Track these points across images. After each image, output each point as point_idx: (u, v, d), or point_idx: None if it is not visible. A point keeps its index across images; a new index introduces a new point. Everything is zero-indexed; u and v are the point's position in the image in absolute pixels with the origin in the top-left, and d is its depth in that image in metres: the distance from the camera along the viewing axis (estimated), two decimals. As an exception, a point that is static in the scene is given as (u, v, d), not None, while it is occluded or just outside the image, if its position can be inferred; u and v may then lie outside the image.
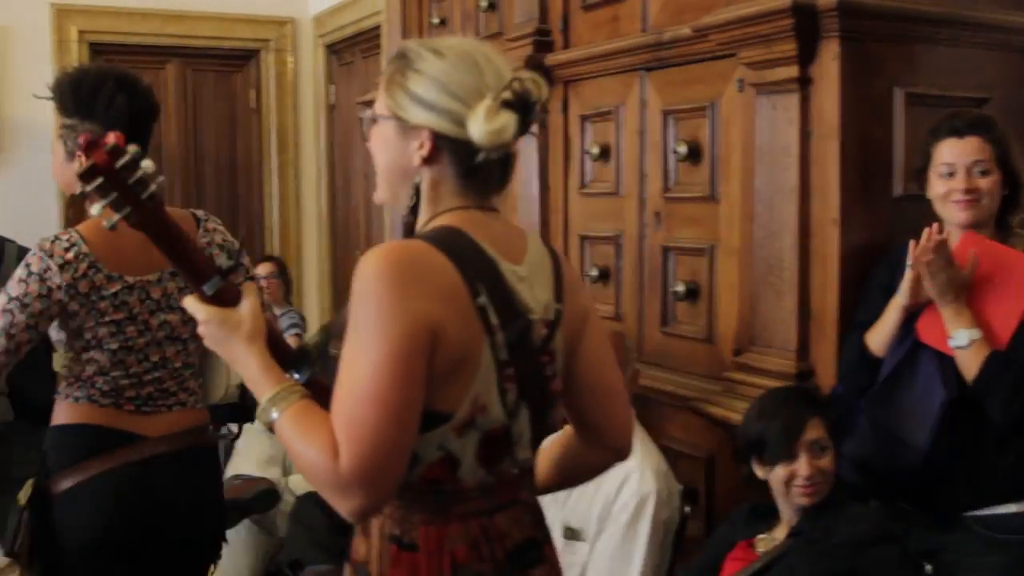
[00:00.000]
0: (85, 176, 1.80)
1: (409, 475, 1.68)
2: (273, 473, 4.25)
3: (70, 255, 2.57)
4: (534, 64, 2.44)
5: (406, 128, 1.78)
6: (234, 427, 5.20)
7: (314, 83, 8.11)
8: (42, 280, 2.54)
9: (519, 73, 1.77)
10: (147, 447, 2.65)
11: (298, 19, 8.10)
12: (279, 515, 4.17)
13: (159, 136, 7.83)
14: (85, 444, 2.49)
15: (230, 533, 4.19)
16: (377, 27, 6.86)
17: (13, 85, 7.39)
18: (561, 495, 3.11)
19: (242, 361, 1.83)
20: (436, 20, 5.05)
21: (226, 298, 1.88)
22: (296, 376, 1.85)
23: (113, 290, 2.55)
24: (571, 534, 3.09)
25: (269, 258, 6.08)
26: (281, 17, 8.06)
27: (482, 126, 1.70)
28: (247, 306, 1.86)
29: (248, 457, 4.31)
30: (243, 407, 5.52)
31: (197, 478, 2.83)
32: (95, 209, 1.85)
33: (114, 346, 2.63)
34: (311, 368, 1.85)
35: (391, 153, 1.83)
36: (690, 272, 3.49)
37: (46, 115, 7.30)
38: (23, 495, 2.56)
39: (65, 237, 2.61)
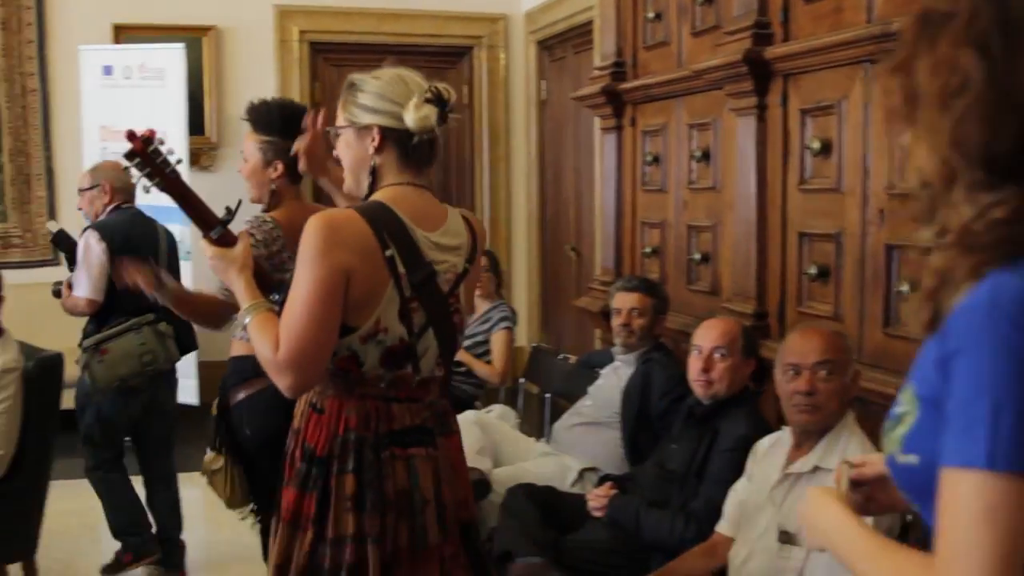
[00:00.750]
0: (128, 157, 2.72)
1: (329, 364, 2.46)
2: (483, 464, 4.28)
3: (272, 235, 3.31)
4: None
5: (360, 130, 2.56)
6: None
7: (525, 79, 8.18)
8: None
9: (434, 83, 2.57)
10: None
11: (510, 16, 8.19)
12: (488, 505, 4.21)
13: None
14: (251, 368, 3.01)
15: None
16: (589, 23, 6.87)
17: (237, 84, 7.71)
18: (778, 498, 3.06)
19: (234, 284, 2.66)
20: (651, 15, 5.01)
21: (227, 241, 2.74)
22: (274, 298, 2.64)
23: (290, 267, 2.91)
24: (786, 538, 3.02)
25: (483, 252, 6.15)
26: (494, 14, 8.16)
27: (413, 115, 2.49)
28: (240, 247, 2.72)
29: (460, 448, 4.38)
30: (455, 398, 5.64)
31: None
32: (135, 178, 2.77)
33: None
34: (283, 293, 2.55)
35: (352, 151, 2.60)
36: (915, 271, 3.37)
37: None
38: (215, 407, 3.41)
39: (269, 219, 3.36)
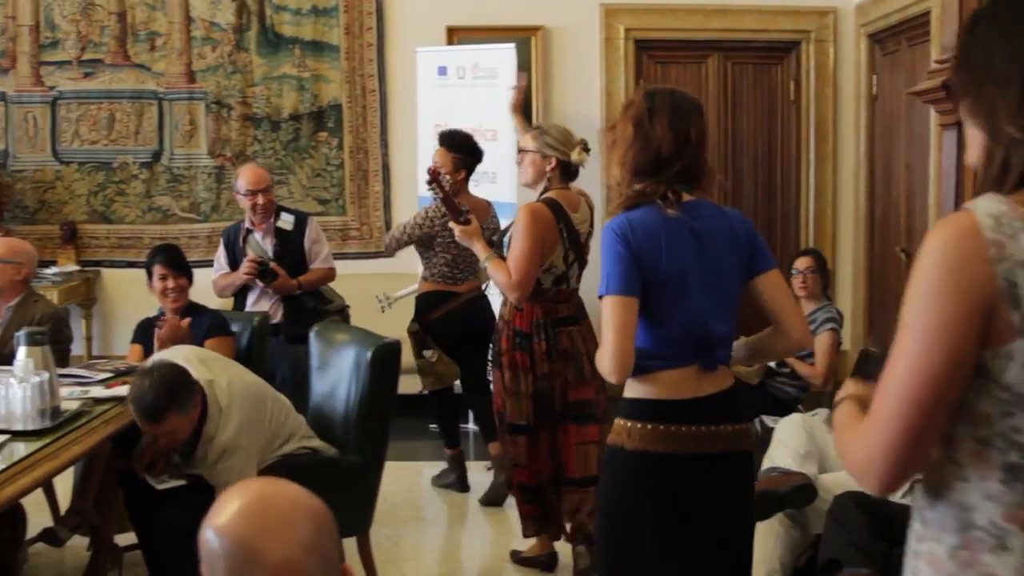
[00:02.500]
0: (428, 183, 4.62)
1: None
2: (809, 468, 4.19)
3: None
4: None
5: (544, 156, 4.46)
6: (770, 420, 5.22)
7: (855, 73, 7.92)
8: (427, 215, 5.62)
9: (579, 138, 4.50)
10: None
11: (840, 8, 7.95)
12: (813, 511, 4.11)
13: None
14: (438, 299, 5.65)
15: (764, 525, 4.21)
16: (926, 13, 6.57)
17: (564, 82, 7.86)
18: None
19: (475, 246, 4.48)
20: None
21: (468, 222, 4.51)
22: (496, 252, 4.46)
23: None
24: None
25: (808, 252, 5.99)
26: (823, 7, 7.95)
27: (575, 156, 4.42)
28: (474, 225, 4.51)
29: (784, 450, 4.29)
30: (773, 399, 5.54)
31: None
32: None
33: (451, 253, 5.61)
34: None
35: (537, 167, 4.50)
36: None
37: (593, 109, 7.80)
38: (413, 326, 5.66)
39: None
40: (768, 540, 4.22)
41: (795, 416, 4.55)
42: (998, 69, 1.71)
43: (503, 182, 6.85)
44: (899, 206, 7.30)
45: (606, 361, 2.75)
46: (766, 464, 4.30)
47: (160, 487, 3.90)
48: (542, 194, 4.45)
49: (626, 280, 2.75)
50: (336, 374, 4.47)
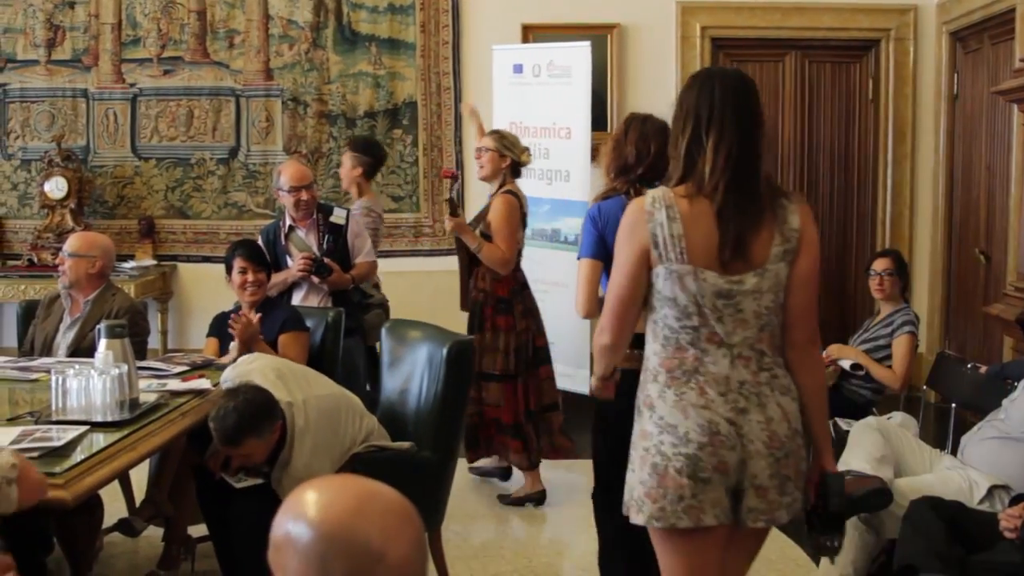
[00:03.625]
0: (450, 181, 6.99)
1: None
2: (885, 472, 4.13)
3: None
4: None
5: (501, 155, 5.60)
6: (844, 423, 5.15)
7: (936, 72, 7.80)
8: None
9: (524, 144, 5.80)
10: None
11: (921, 6, 7.84)
12: (888, 516, 4.06)
13: (775, 127, 7.93)
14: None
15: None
16: (1010, 11, 6.46)
17: (638, 79, 7.84)
18: None
19: (466, 236, 5.44)
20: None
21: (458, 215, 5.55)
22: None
23: None
24: None
25: (887, 253, 5.89)
26: (903, 5, 7.84)
27: (524, 157, 5.71)
28: (462, 217, 5.57)
29: (859, 453, 4.24)
30: (847, 401, 5.47)
31: None
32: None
33: None
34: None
35: (494, 164, 5.61)
36: None
37: (668, 107, 7.75)
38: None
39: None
40: (843, 543, 4.17)
41: (870, 419, 4.49)
42: None
43: (576, 180, 6.83)
44: (978, 207, 7.18)
45: (580, 304, 3.71)
46: (840, 467, 4.24)
47: (238, 485, 3.93)
48: (500, 187, 5.64)
49: (594, 248, 3.73)
50: (408, 371, 4.49)
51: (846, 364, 5.47)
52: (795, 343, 2.85)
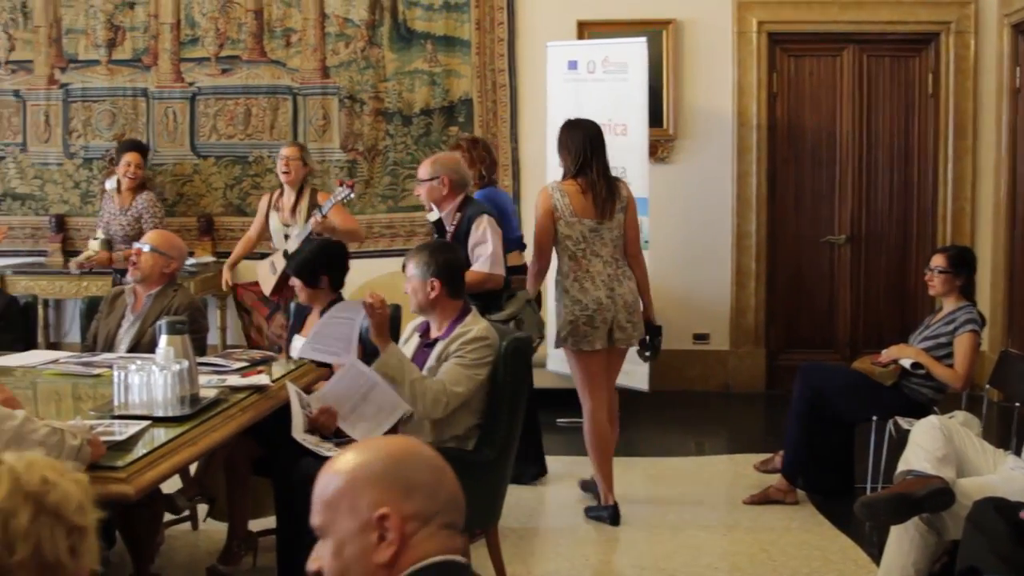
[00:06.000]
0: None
1: None
2: (947, 472, 4.06)
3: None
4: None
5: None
6: (904, 422, 5.09)
7: (998, 65, 7.69)
8: None
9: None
10: None
11: (982, -1, 7.73)
12: (950, 516, 4.00)
13: (832, 122, 7.87)
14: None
15: (898, 528, 4.12)
16: (1075, 3, 6.35)
17: (694, 75, 7.81)
18: None
19: None
20: None
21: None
22: None
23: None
24: None
25: (944, 249, 5.79)
26: (964, -3, 7.74)
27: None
28: None
29: (921, 453, 4.17)
30: (908, 400, 5.41)
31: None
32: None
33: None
34: None
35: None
36: None
37: (725, 103, 7.72)
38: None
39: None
40: (902, 544, 4.12)
41: (931, 418, 4.42)
42: None
43: (633, 177, 6.79)
44: (1043, 203, 7.08)
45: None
46: (901, 467, 4.19)
47: (329, 455, 3.94)
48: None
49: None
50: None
51: (907, 363, 5.40)
52: (630, 254, 5.33)
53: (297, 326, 5.05)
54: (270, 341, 6.63)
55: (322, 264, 4.84)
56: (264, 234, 6.73)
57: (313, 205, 6.44)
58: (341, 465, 1.80)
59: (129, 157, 7.18)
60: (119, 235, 7.02)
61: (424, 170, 5.43)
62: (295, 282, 4.88)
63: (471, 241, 5.27)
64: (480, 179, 6.15)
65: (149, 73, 8.14)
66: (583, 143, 5.30)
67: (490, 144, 6.77)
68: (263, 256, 6.81)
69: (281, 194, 6.63)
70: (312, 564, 1.79)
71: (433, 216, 5.56)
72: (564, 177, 5.30)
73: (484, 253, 5.26)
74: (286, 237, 6.50)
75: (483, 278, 5.24)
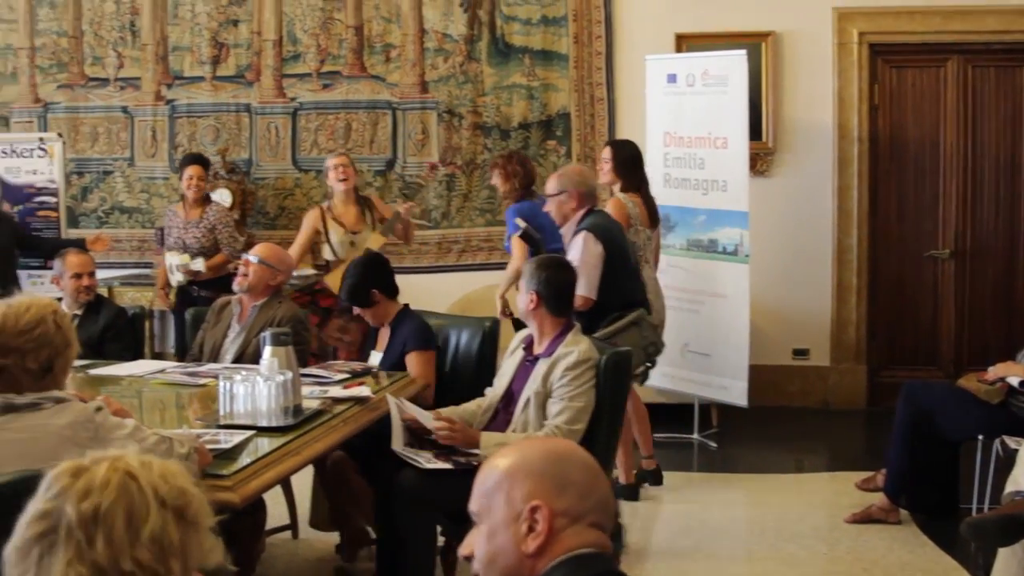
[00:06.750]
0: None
1: None
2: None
3: None
4: None
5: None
6: (1012, 441, 4.98)
7: (1110, 75, 7.49)
8: None
9: None
10: None
11: (1094, 6, 7.54)
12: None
13: (936, 133, 7.73)
14: None
15: (1007, 550, 4.03)
16: None
17: (794, 87, 7.72)
18: None
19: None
20: None
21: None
22: None
23: None
24: None
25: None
26: (1074, 5, 7.55)
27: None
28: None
29: (1029, 472, 4.09)
30: (1016, 419, 5.28)
31: None
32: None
33: None
34: None
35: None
36: None
37: (825, 115, 7.62)
38: None
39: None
40: (1010, 567, 4.03)
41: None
42: None
43: (734, 190, 6.76)
44: None
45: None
46: (1010, 487, 4.11)
47: (428, 466, 3.98)
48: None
49: None
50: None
51: (1014, 381, 5.28)
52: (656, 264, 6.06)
53: (372, 342, 5.09)
54: (321, 343, 6.66)
55: (366, 281, 4.87)
56: (309, 250, 6.82)
57: (372, 210, 6.72)
58: (503, 458, 1.88)
59: (191, 170, 7.21)
60: (195, 247, 7.09)
61: (551, 185, 5.37)
62: (356, 311, 4.97)
63: (569, 255, 5.17)
64: (514, 192, 6.32)
65: (252, 89, 8.30)
66: (639, 159, 6.02)
67: (526, 158, 6.83)
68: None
69: (330, 207, 6.74)
70: (464, 549, 1.88)
71: (521, 224, 5.66)
72: (625, 190, 5.85)
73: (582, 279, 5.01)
74: (352, 244, 6.59)
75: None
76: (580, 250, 5.10)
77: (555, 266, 4.39)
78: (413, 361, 4.75)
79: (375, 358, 4.91)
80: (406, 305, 4.96)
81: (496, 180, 6.49)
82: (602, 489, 1.88)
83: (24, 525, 1.52)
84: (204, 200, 7.31)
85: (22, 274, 7.35)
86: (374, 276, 4.89)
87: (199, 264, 6.94)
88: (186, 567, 1.56)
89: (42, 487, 1.56)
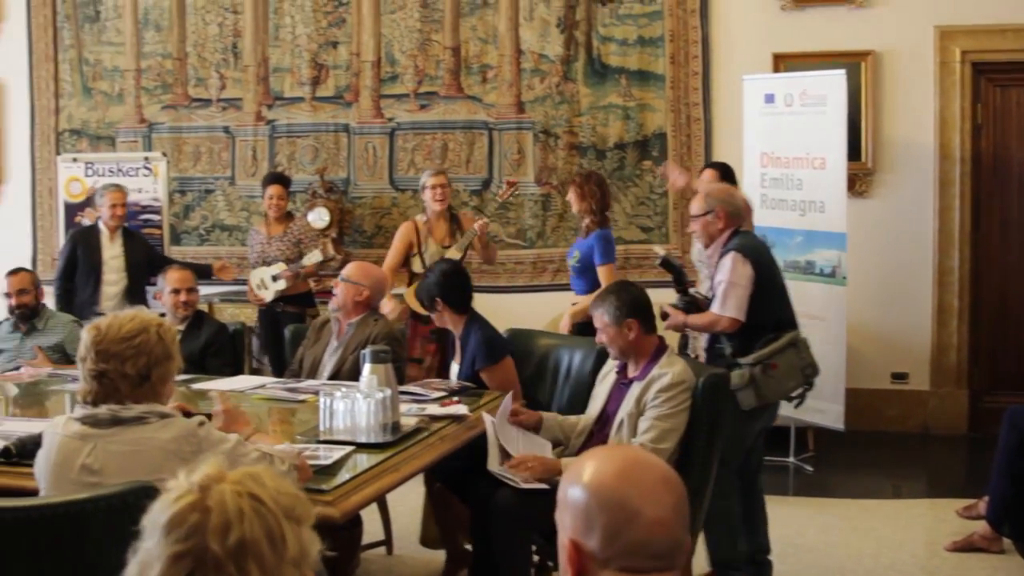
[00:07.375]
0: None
1: None
2: None
3: None
4: None
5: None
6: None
7: None
8: None
9: None
10: None
11: None
12: None
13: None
14: None
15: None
16: None
17: (894, 107, 7.61)
18: None
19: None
20: None
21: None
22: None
23: None
24: None
25: None
26: None
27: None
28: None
29: None
30: None
31: None
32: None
33: None
34: None
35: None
36: None
37: (926, 135, 7.50)
38: None
39: None
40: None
41: None
42: None
43: (832, 211, 6.68)
44: None
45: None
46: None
47: (524, 485, 3.99)
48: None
49: None
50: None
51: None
52: None
53: (451, 352, 5.19)
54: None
55: (434, 286, 4.98)
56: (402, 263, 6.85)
57: (461, 226, 6.78)
58: (570, 478, 1.83)
59: (272, 190, 7.43)
60: (279, 261, 7.27)
61: (696, 205, 5.03)
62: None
63: (716, 277, 4.91)
64: (590, 213, 6.27)
65: (350, 109, 8.42)
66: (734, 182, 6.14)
67: (604, 181, 6.62)
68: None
69: (425, 222, 6.78)
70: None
71: (660, 250, 5.64)
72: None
73: (717, 293, 4.82)
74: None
75: (710, 321, 4.89)
76: (728, 271, 4.80)
77: (628, 286, 4.41)
78: (487, 377, 4.85)
79: (454, 369, 4.98)
80: (473, 314, 5.03)
81: (571, 197, 6.43)
82: (638, 532, 1.75)
83: (160, 572, 1.57)
84: (287, 217, 7.50)
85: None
86: (442, 285, 4.98)
87: (316, 256, 7.18)
88: (310, 567, 1.64)
89: (161, 529, 1.59)
